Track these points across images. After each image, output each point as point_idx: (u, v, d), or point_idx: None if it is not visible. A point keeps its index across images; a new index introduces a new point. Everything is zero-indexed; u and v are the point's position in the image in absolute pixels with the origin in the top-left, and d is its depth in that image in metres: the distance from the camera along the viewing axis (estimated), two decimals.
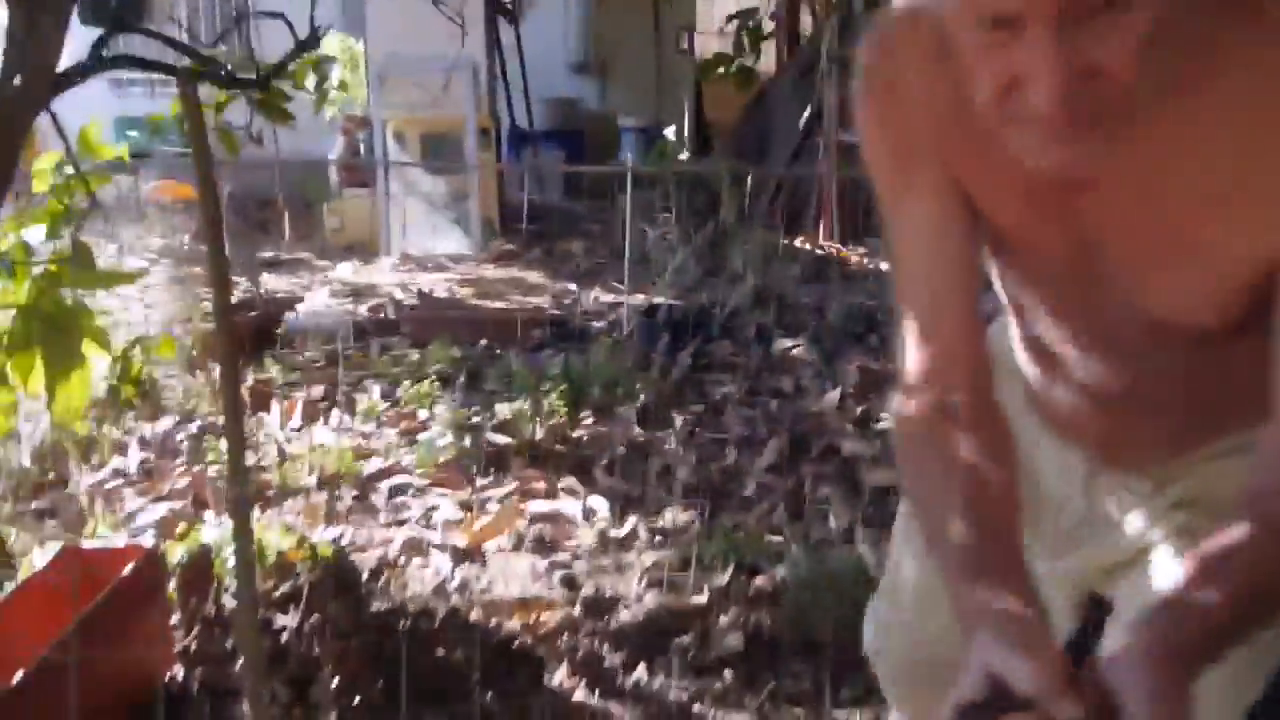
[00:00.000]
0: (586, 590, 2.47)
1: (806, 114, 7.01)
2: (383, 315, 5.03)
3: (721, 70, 7.33)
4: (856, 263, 6.29)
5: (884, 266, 6.16)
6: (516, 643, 2.21)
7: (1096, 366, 0.96)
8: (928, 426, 0.91)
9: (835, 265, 6.19)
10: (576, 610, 2.38)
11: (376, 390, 3.85)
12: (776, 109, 7.49)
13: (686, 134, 8.42)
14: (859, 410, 3.71)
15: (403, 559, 2.60)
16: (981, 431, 0.90)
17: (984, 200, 0.91)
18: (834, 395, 3.83)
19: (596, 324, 4.85)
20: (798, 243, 6.49)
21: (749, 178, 5.87)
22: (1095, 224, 0.86)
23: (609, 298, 5.39)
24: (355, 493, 3.04)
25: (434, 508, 2.95)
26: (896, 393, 0.96)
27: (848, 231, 6.70)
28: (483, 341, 4.42)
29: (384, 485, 3.09)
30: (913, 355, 0.94)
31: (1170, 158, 0.80)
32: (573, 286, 5.69)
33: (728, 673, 2.20)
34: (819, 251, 6.48)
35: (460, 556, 2.65)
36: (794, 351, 4.43)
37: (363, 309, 5.18)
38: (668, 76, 8.99)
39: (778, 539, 2.73)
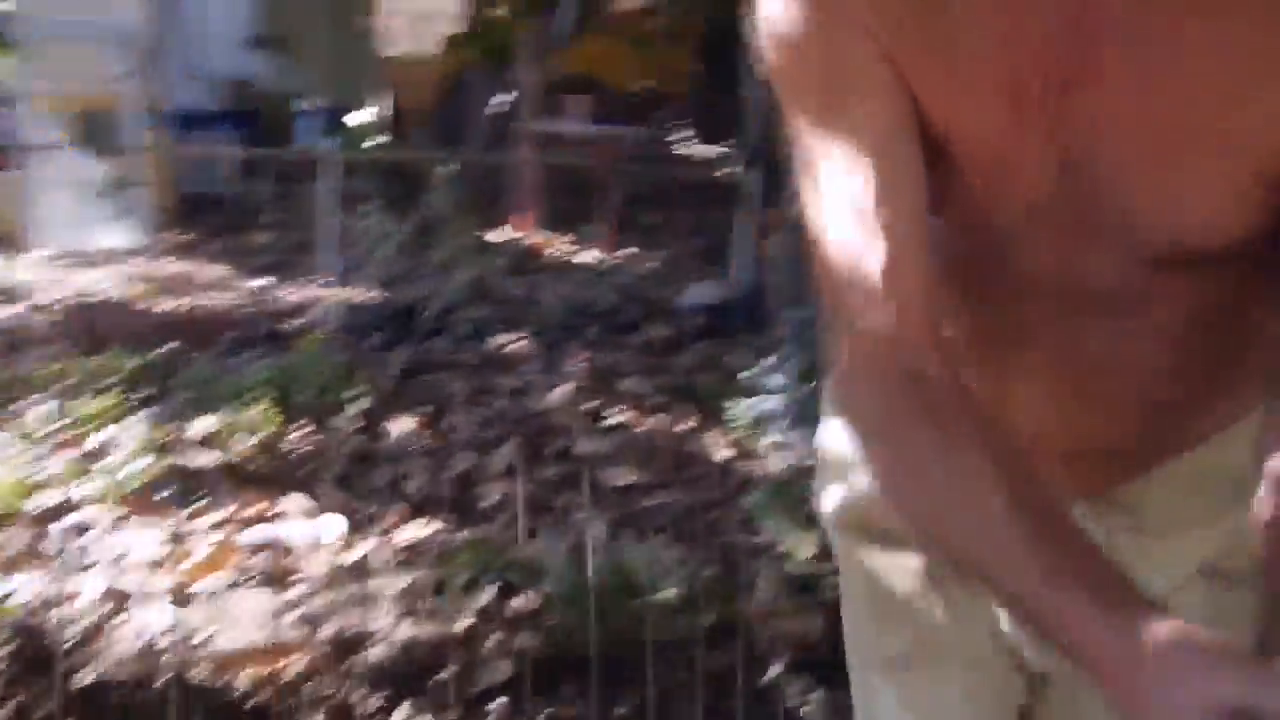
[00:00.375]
0: (329, 628, 2.22)
1: (503, 100, 6.88)
2: (38, 319, 4.38)
3: (480, 50, 6.94)
4: (563, 252, 6.23)
5: (590, 257, 6.16)
6: (254, 699, 1.94)
7: (1063, 340, 0.78)
8: (909, 410, 0.71)
9: (540, 256, 6.10)
10: (321, 653, 2.13)
11: (39, 409, 3.31)
12: (471, 96, 7.30)
13: (380, 119, 8.03)
14: (589, 406, 3.63)
15: (100, 615, 2.21)
16: (971, 408, 0.71)
17: (945, 109, 0.72)
18: (564, 391, 3.73)
19: (297, 322, 4.47)
20: (499, 234, 6.34)
21: (453, 166, 5.65)
22: (1089, 129, 0.70)
23: (307, 293, 5.00)
24: (27, 534, 2.57)
25: (128, 550, 2.55)
26: (846, 375, 0.76)
27: (550, 221, 6.64)
28: (167, 346, 3.94)
29: (61, 524, 2.64)
30: (865, 317, 0.73)
31: (1196, 35, 0.66)
32: (262, 282, 5.24)
33: (497, 703, 2.07)
34: (522, 242, 6.37)
35: (173, 604, 2.30)
36: (514, 347, 4.29)
37: (11, 311, 4.49)
38: (351, 57, 8.54)
39: (530, 552, 2.58)
